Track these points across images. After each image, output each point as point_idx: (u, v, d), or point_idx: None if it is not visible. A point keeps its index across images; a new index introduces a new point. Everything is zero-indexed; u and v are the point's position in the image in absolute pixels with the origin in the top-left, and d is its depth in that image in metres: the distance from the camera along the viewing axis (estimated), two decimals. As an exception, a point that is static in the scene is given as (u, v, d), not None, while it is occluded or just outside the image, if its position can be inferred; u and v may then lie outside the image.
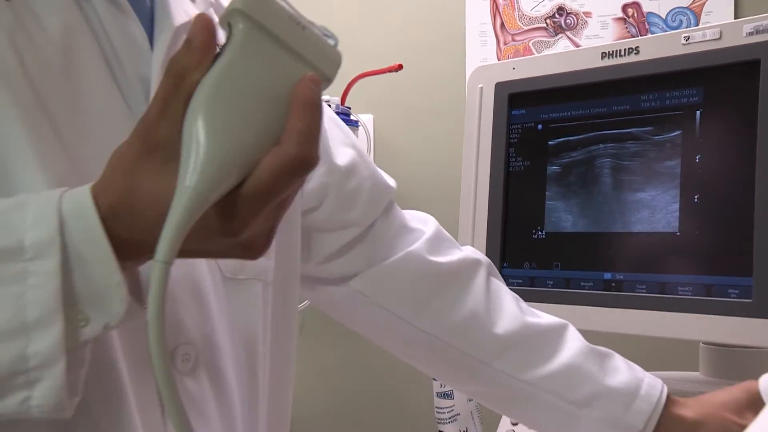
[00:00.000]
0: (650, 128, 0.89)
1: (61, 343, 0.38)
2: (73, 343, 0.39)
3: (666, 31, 1.41)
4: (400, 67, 1.38)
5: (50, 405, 0.38)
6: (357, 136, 1.56)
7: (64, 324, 0.39)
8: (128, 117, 0.49)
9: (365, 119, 1.58)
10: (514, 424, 0.96)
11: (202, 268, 0.52)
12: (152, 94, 0.61)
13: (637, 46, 0.92)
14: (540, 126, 1.00)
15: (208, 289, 0.52)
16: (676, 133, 0.87)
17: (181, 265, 0.49)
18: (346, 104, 1.51)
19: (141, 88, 0.50)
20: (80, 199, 0.40)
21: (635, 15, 1.46)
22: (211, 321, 0.52)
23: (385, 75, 1.45)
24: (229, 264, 0.55)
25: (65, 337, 0.39)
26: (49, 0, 0.47)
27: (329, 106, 1.47)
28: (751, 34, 0.81)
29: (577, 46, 1.50)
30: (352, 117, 1.51)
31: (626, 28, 1.48)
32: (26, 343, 0.38)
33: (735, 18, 1.36)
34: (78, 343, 0.40)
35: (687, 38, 0.87)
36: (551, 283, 0.96)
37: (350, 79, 1.48)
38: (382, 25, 1.63)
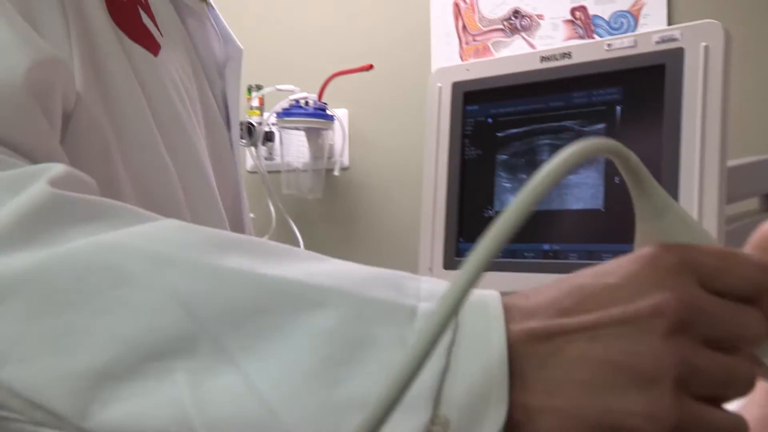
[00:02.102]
0: (580, 121, 1.06)
1: None
2: None
3: (609, 31, 1.58)
4: (371, 66, 1.54)
5: None
6: (333, 130, 1.70)
7: (431, 416, 0.32)
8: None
9: (341, 114, 1.71)
10: None
11: None
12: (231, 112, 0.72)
13: (570, 51, 1.08)
14: (490, 120, 1.16)
15: None
16: (600, 126, 1.04)
17: None
18: (323, 100, 1.65)
19: (222, 102, 0.60)
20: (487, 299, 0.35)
21: (582, 18, 1.63)
22: None
23: (358, 73, 1.60)
24: None
25: None
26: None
27: (307, 102, 1.62)
28: (658, 42, 0.98)
29: (532, 46, 1.66)
30: (328, 112, 1.65)
31: (575, 29, 1.64)
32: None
33: (668, 21, 1.52)
34: None
35: (609, 45, 1.03)
36: (500, 254, 1.12)
37: (326, 77, 1.62)
38: (356, 27, 1.75)
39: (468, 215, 1.16)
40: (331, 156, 1.70)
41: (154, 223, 0.38)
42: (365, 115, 1.72)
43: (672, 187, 0.95)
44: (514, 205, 0.32)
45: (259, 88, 1.68)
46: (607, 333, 0.32)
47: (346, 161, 1.72)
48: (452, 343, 0.33)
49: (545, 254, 1.07)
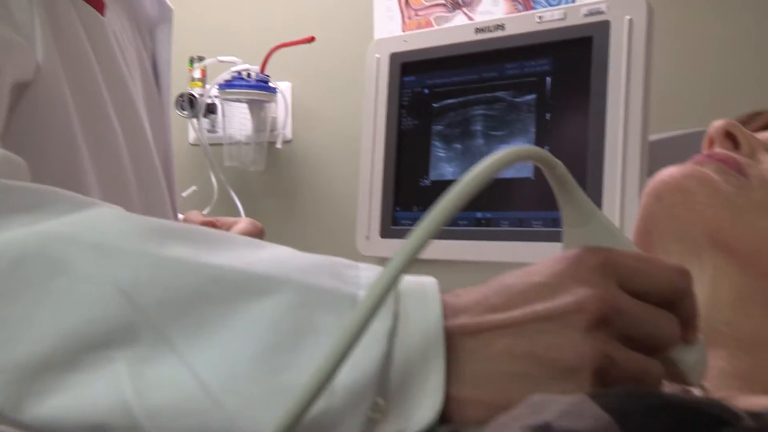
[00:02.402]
0: (512, 92, 1.08)
1: (363, 422, 0.33)
2: None
3: (547, 5, 1.61)
4: (313, 39, 1.54)
5: None
6: (276, 102, 1.70)
7: (371, 407, 0.33)
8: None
9: (283, 87, 1.71)
10: None
11: None
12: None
13: (503, 23, 1.10)
14: (426, 90, 1.18)
15: None
16: (531, 96, 1.06)
17: None
18: (266, 72, 1.65)
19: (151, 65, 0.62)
20: (424, 286, 0.37)
21: (522, -7, 1.65)
22: None
23: (301, 46, 1.59)
24: None
25: (366, 420, 0.33)
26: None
27: (249, 74, 1.61)
28: (586, 15, 1.00)
29: (472, 20, 1.68)
30: (270, 84, 1.65)
31: (514, 5, 1.67)
32: (328, 405, 0.32)
33: (603, -2, 1.55)
34: None
35: (540, 17, 1.06)
36: (435, 222, 1.14)
37: (269, 49, 1.61)
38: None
39: (405, 185, 1.18)
40: (273, 129, 1.70)
41: (93, 210, 0.38)
42: (308, 87, 1.72)
43: (597, 158, 0.99)
44: (441, 205, 0.35)
45: (200, 59, 1.67)
46: (532, 328, 0.34)
47: (288, 134, 1.72)
48: (393, 331, 0.34)
49: (478, 222, 1.09)
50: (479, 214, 1.10)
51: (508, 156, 0.36)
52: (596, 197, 0.97)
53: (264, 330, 0.34)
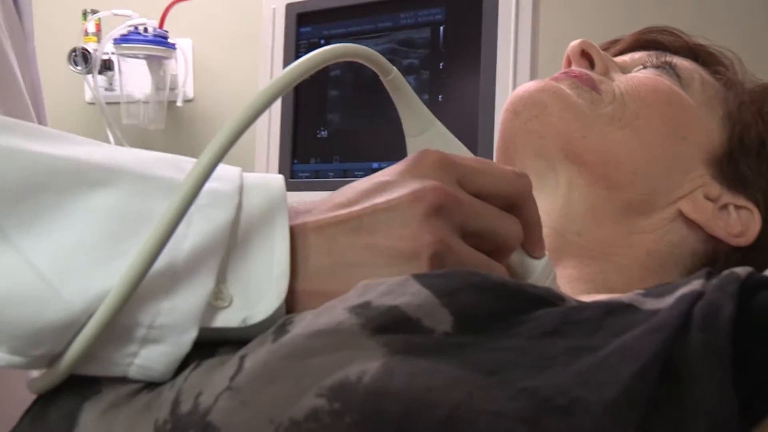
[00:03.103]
0: (407, 40, 1.08)
1: (201, 309, 0.32)
2: (204, 323, 0.32)
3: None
4: (211, -8, 1.50)
5: (156, 372, 0.32)
6: (176, 59, 1.65)
7: (213, 289, 0.33)
8: None
9: (184, 44, 1.66)
10: None
11: None
12: None
13: (397, -28, 1.10)
14: (323, 41, 1.17)
15: None
16: (425, 45, 1.06)
17: None
18: (165, 28, 1.59)
19: None
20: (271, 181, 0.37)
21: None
22: None
23: (201, 1, 1.55)
24: None
25: (205, 307, 0.32)
26: None
27: (146, 29, 1.56)
28: (477, -38, 1.01)
29: (376, -22, 1.67)
30: (170, 41, 1.60)
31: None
32: (166, 294, 0.32)
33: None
34: (206, 325, 0.32)
35: (433, -34, 1.06)
36: (332, 174, 1.14)
37: (167, 4, 1.56)
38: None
39: (302, 137, 1.16)
40: (174, 87, 1.65)
41: None
42: (210, 44, 1.68)
43: (489, 105, 1.00)
44: (261, 94, 0.34)
45: (94, 12, 1.60)
46: (373, 220, 0.34)
47: (190, 92, 1.67)
48: (235, 222, 0.34)
49: (374, 172, 1.09)
50: (375, 164, 1.10)
51: (334, 51, 0.35)
52: (490, 145, 0.99)
53: (102, 219, 0.33)
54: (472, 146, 1.00)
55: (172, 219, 0.32)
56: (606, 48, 0.63)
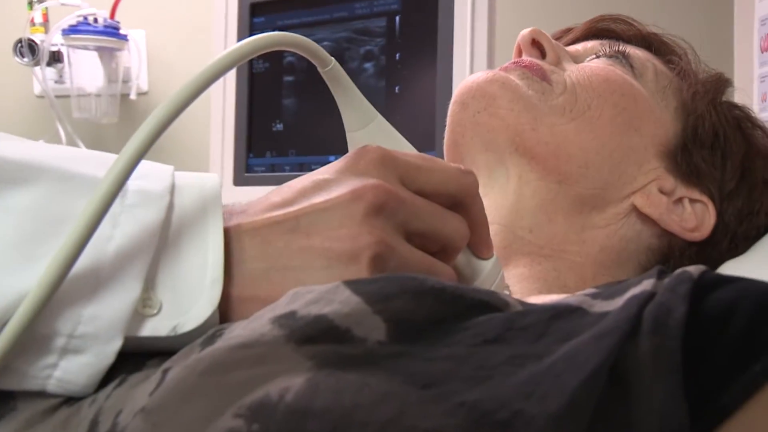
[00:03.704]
0: (362, 30, 1.06)
1: (127, 317, 0.30)
2: (131, 331, 0.30)
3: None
4: (162, -19, 1.46)
5: (77, 385, 0.29)
6: (128, 51, 1.60)
7: (140, 295, 0.30)
8: None
9: (137, 35, 1.62)
10: None
11: None
12: None
13: (352, -39, 1.07)
14: (277, 31, 1.14)
15: None
16: (381, 35, 1.04)
17: None
18: (116, 19, 1.55)
19: None
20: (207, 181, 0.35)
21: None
22: None
23: (154, -8, 1.51)
24: None
25: (131, 315, 0.30)
26: None
27: (96, 20, 1.51)
28: (432, -49, 0.99)
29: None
30: (122, 31, 1.55)
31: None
32: (87, 300, 0.30)
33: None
34: (133, 334, 0.30)
35: (388, -46, 1.03)
36: (288, 168, 1.11)
37: (118, -7, 1.51)
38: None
39: (257, 130, 1.14)
40: (127, 80, 1.61)
41: None
42: (164, 36, 1.64)
43: (445, 96, 0.98)
44: (185, 86, 0.32)
45: (41, 1, 1.55)
46: (310, 221, 0.33)
47: (144, 85, 1.63)
48: (165, 224, 0.32)
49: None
50: (332, 158, 1.08)
51: (266, 40, 0.33)
52: (445, 136, 0.97)
53: (21, 219, 0.31)
54: (429, 138, 0.98)
55: (91, 218, 0.29)
56: (558, 37, 0.61)
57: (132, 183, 0.32)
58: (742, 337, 0.25)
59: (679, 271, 0.27)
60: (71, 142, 1.57)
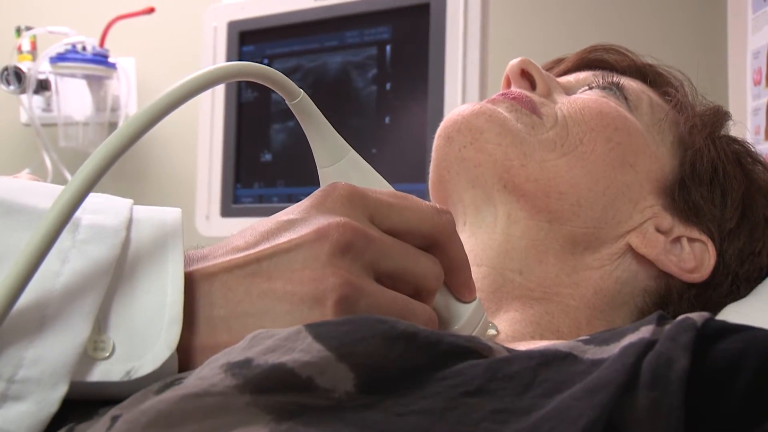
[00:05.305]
0: (353, 61, 1.04)
1: (74, 360, 0.27)
2: (79, 376, 0.28)
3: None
4: (152, 10, 1.44)
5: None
6: (118, 79, 1.59)
7: (90, 336, 0.28)
8: None
9: (127, 63, 1.60)
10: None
11: None
12: None
13: (342, -10, 1.06)
14: (266, 60, 1.12)
15: None
16: (371, 64, 1.03)
17: None
18: (106, 47, 1.53)
19: None
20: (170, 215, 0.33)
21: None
22: None
23: (145, 18, 1.49)
24: None
25: (79, 357, 0.28)
26: None
27: (84, 48, 1.50)
28: (423, -20, 0.98)
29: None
30: (110, 60, 1.54)
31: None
32: (30, 341, 0.27)
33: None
34: (81, 378, 0.28)
35: (378, -17, 1.02)
36: (276, 199, 1.09)
37: (107, 22, 1.50)
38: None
39: (245, 160, 1.11)
40: (116, 108, 1.59)
41: None
42: (154, 64, 1.62)
43: (437, 123, 0.96)
44: (141, 113, 0.31)
45: (29, 29, 1.53)
46: (272, 264, 0.31)
47: (133, 113, 1.62)
48: (120, 262, 0.30)
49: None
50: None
51: (227, 70, 0.32)
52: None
53: None
54: (420, 170, 0.96)
55: (34, 251, 0.27)
56: (549, 68, 0.59)
57: (85, 217, 0.31)
58: (748, 395, 0.23)
59: (681, 318, 0.25)
60: (57, 171, 1.55)
